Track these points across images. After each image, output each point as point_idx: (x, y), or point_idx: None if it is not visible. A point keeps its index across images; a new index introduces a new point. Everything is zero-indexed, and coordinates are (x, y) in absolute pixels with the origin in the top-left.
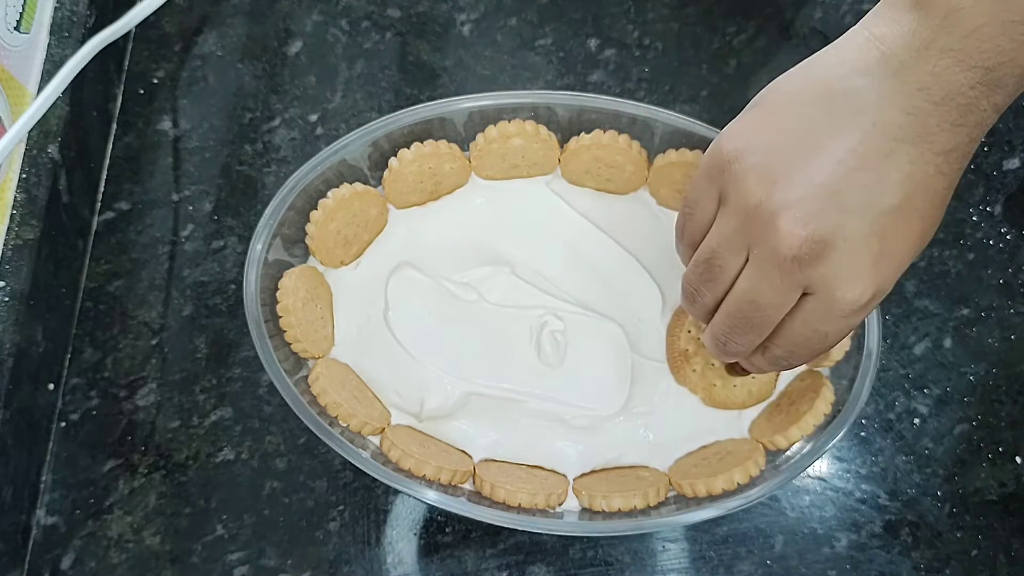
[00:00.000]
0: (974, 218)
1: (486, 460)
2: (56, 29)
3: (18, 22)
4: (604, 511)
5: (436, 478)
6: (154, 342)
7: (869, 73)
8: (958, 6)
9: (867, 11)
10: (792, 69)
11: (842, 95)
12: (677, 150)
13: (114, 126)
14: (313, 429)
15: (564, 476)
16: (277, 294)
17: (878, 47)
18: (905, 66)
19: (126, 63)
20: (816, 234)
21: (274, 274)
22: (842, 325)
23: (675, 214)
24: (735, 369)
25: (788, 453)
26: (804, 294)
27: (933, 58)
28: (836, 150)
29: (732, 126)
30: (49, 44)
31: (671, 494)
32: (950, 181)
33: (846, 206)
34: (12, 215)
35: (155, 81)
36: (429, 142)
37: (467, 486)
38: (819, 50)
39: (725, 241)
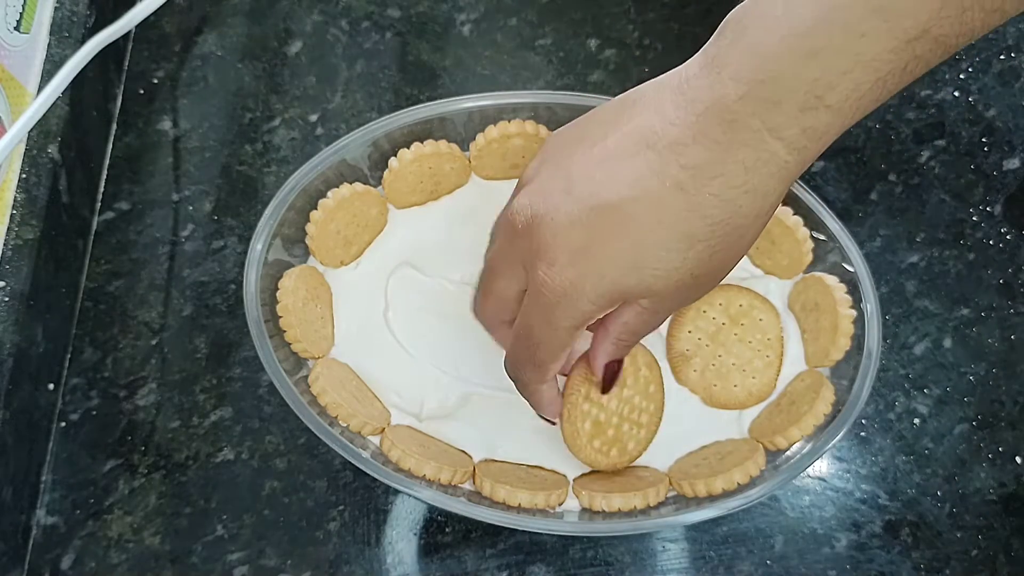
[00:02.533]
0: (974, 218)
1: (486, 460)
2: (56, 29)
3: (18, 22)
4: (604, 511)
5: (436, 478)
6: (154, 342)
7: (661, 85)
8: (746, 25)
9: None
10: None
11: (632, 102)
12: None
13: (114, 126)
14: (313, 429)
15: (564, 476)
16: (277, 294)
17: (684, 67)
18: (688, 80)
19: (126, 63)
20: (535, 207)
21: (274, 274)
22: (540, 317)
23: None
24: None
25: (788, 453)
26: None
27: (711, 72)
28: (594, 145)
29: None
30: (49, 44)
31: (671, 494)
32: (693, 203)
33: (570, 191)
34: (12, 215)
35: (155, 81)
36: (429, 142)
37: (467, 486)
38: None
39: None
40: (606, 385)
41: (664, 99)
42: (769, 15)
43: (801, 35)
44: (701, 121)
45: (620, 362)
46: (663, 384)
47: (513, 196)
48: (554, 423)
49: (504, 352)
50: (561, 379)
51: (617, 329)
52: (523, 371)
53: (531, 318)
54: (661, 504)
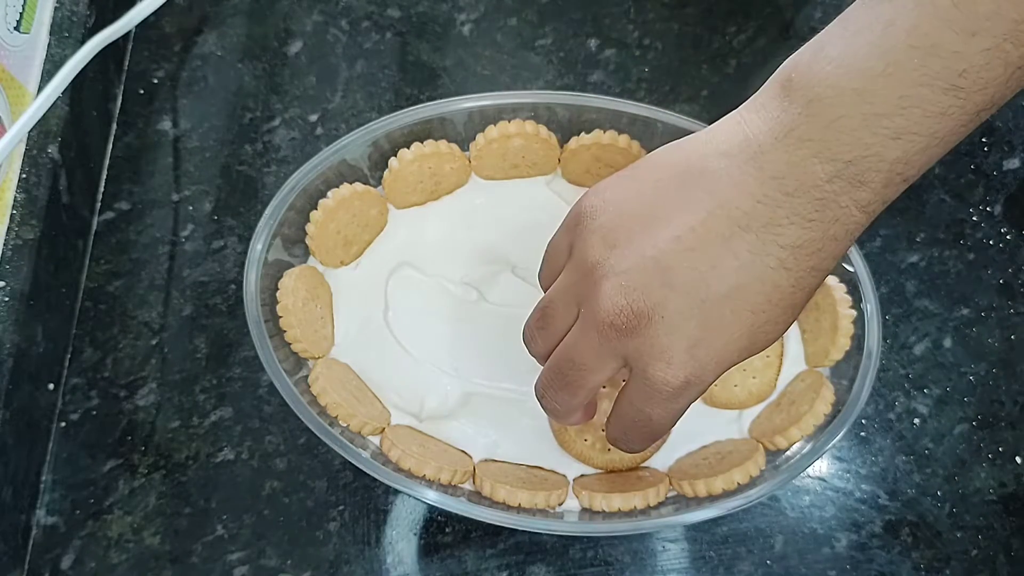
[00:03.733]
0: (974, 218)
1: (486, 460)
2: (56, 29)
3: (18, 22)
4: (604, 511)
5: (436, 478)
6: (154, 342)
7: (729, 156)
8: (820, 96)
9: None
10: (679, 140)
11: (699, 173)
12: None
13: (114, 126)
14: (313, 429)
15: (564, 476)
16: (277, 294)
17: (744, 130)
18: (763, 152)
19: (126, 63)
20: (636, 305)
21: (274, 274)
22: (661, 409)
23: None
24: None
25: (788, 453)
26: (629, 369)
27: (791, 147)
28: (677, 226)
29: (602, 182)
30: (49, 44)
31: (671, 494)
32: (796, 279)
33: (672, 284)
34: (12, 215)
35: (155, 81)
36: (429, 142)
37: (467, 486)
38: None
39: (562, 293)
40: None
41: (741, 174)
42: (845, 88)
43: (883, 115)
44: (792, 201)
45: None
46: None
47: (573, 274)
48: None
49: (517, 352)
50: None
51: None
52: (636, 443)
53: (649, 409)
54: (661, 504)
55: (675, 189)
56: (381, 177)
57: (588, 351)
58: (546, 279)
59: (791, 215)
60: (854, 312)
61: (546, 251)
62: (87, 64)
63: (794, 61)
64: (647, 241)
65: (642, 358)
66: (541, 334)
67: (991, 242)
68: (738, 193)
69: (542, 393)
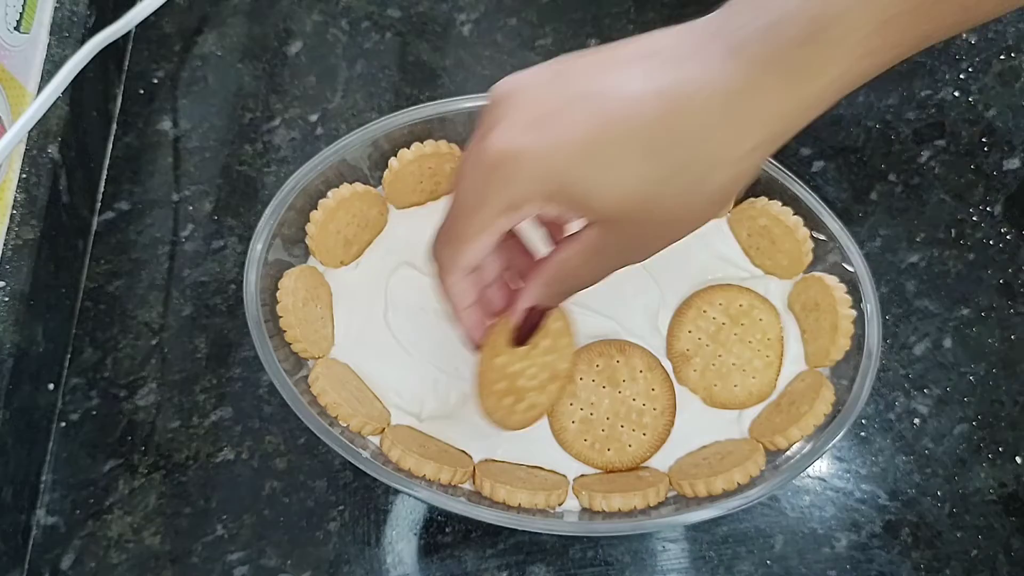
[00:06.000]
0: (974, 218)
1: (486, 460)
2: (56, 29)
3: (18, 22)
4: (604, 511)
5: (436, 478)
6: (154, 342)
7: (666, 32)
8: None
9: None
10: None
11: (652, 32)
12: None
13: (114, 126)
14: (313, 429)
15: (564, 476)
16: (277, 294)
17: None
18: (705, 17)
19: (126, 63)
20: (516, 83)
21: (274, 274)
22: (479, 182)
23: None
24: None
25: (788, 453)
26: None
27: (724, 10)
28: (601, 52)
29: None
30: (49, 44)
31: (671, 494)
32: (666, 109)
33: (562, 77)
34: (12, 215)
35: (155, 81)
36: (429, 142)
37: (467, 486)
38: None
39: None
40: (521, 336)
41: (679, 28)
42: None
43: None
44: (705, 43)
45: (542, 315)
46: (671, 385)
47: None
48: (475, 350)
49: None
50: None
51: (551, 268)
52: (441, 247)
53: (463, 182)
54: (661, 504)
55: (605, 50)
56: (381, 177)
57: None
58: None
59: (698, 52)
60: (854, 312)
61: None
62: (87, 64)
63: None
64: (571, 58)
65: (489, 125)
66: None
67: (991, 242)
68: (668, 36)
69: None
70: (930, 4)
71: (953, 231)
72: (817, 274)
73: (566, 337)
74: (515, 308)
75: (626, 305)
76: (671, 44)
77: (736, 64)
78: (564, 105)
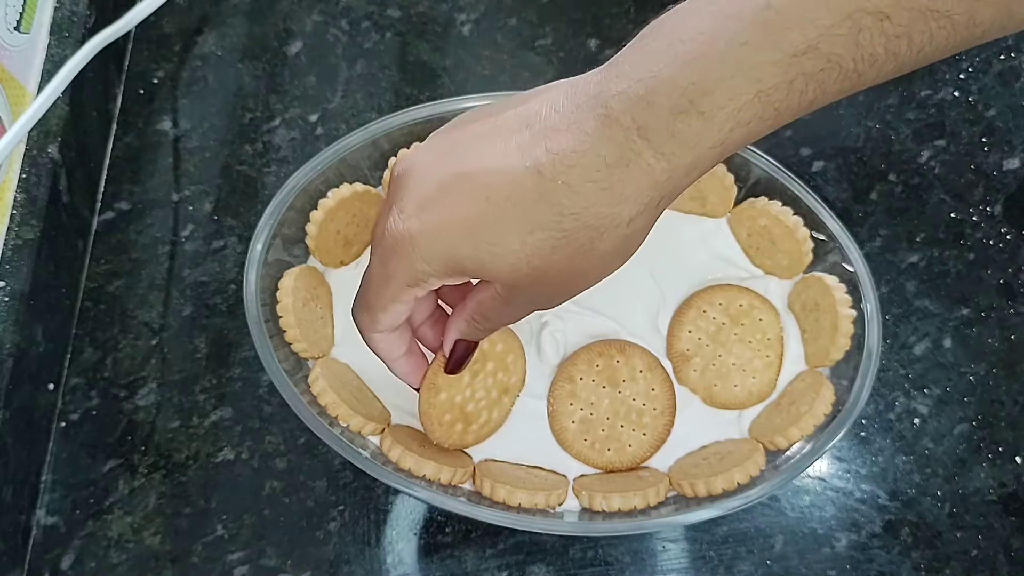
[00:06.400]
0: (974, 218)
1: (486, 460)
2: (56, 29)
3: (18, 22)
4: (604, 511)
5: (436, 478)
6: (154, 342)
7: (567, 80)
8: (649, 30)
9: None
10: None
11: (536, 90)
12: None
13: (114, 126)
14: (313, 429)
15: (564, 476)
16: (277, 294)
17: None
18: (587, 76)
19: (126, 63)
20: (409, 162)
21: (274, 274)
22: (384, 260)
23: (675, 213)
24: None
25: (788, 453)
26: None
27: (604, 70)
28: (486, 120)
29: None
30: (49, 44)
31: (671, 494)
32: (545, 187)
33: (447, 155)
34: (12, 215)
35: (155, 81)
36: None
37: (467, 486)
38: None
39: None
40: (452, 365)
41: (560, 89)
42: (668, 23)
43: (686, 40)
44: (578, 111)
45: (474, 346)
46: (671, 385)
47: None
48: (415, 389)
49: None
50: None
51: (471, 307)
52: (358, 312)
53: (372, 258)
54: (661, 504)
55: (514, 99)
56: (381, 177)
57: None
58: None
59: (571, 123)
60: (854, 312)
61: None
62: (87, 64)
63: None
64: (459, 127)
65: (388, 204)
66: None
67: (991, 242)
68: (545, 102)
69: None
70: (811, 74)
71: (953, 231)
72: (817, 274)
73: (512, 353)
74: (445, 341)
75: (626, 305)
76: (548, 111)
77: (610, 134)
78: (450, 184)
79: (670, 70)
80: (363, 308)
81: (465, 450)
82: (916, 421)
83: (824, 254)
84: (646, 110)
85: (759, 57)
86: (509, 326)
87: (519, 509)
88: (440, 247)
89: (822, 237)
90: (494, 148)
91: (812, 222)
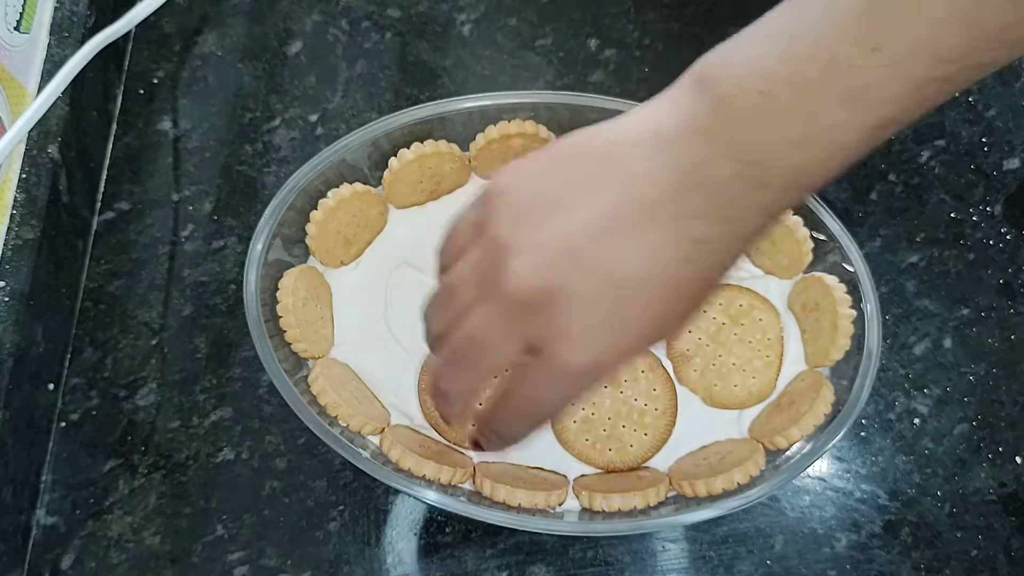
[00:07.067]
0: (974, 218)
1: (486, 460)
2: (56, 29)
3: (18, 22)
4: (604, 511)
5: (436, 478)
6: (154, 342)
7: (641, 145)
8: (727, 93)
9: None
10: (589, 127)
11: (610, 159)
12: None
13: (114, 126)
14: (313, 429)
15: (564, 476)
16: (277, 294)
17: (656, 120)
18: (672, 145)
19: (126, 63)
20: (546, 284)
21: (274, 274)
22: (556, 392)
23: None
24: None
25: (788, 453)
26: (530, 355)
27: (697, 142)
28: (589, 210)
29: (514, 163)
30: (49, 44)
31: (671, 494)
32: (701, 273)
33: (583, 266)
34: (12, 215)
35: (155, 81)
36: (429, 142)
37: (467, 486)
38: None
39: (468, 270)
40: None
41: (650, 163)
42: (750, 88)
43: (785, 121)
44: (698, 196)
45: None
46: (672, 385)
47: (476, 250)
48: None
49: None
50: None
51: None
52: (515, 428)
53: (546, 390)
54: (661, 504)
55: (586, 173)
56: (381, 177)
57: (492, 329)
58: (446, 256)
59: (697, 209)
60: (854, 312)
61: (449, 229)
62: (87, 64)
63: (708, 57)
64: (558, 221)
65: (547, 338)
66: (443, 312)
67: (991, 242)
68: (648, 182)
69: (439, 372)
70: (882, 136)
71: (953, 231)
72: (817, 274)
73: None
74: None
75: None
76: (661, 198)
77: (739, 217)
78: (615, 304)
79: (780, 154)
80: (531, 426)
81: (465, 450)
82: (916, 421)
83: (824, 254)
84: (763, 191)
85: (850, 137)
86: None
87: (519, 509)
88: (624, 357)
89: (822, 237)
90: (635, 249)
91: (812, 222)
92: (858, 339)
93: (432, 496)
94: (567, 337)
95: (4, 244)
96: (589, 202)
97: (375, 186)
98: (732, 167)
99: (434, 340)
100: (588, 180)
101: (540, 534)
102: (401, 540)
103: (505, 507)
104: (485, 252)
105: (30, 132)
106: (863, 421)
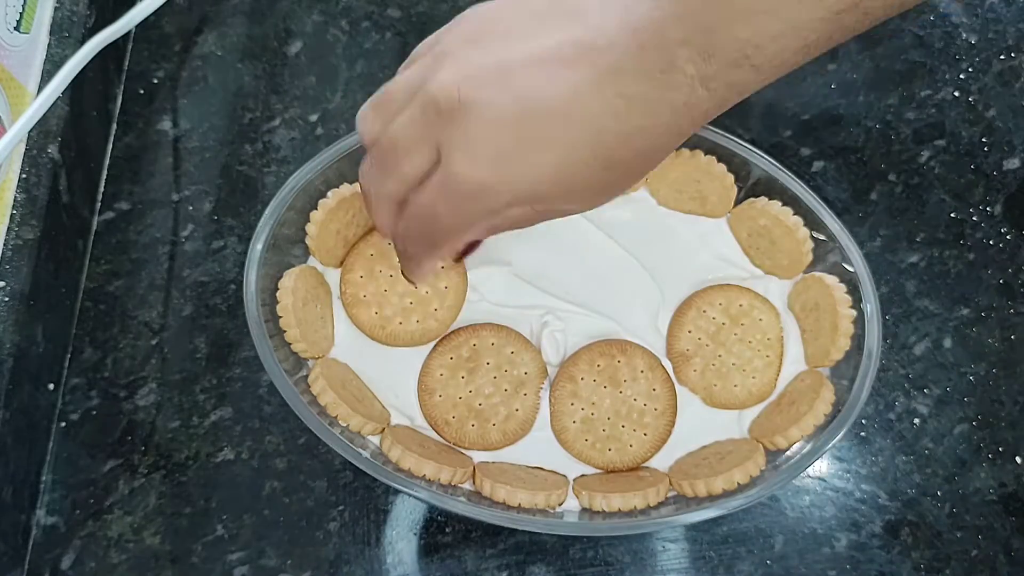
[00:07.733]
0: (974, 218)
1: (486, 460)
2: (56, 29)
3: (18, 22)
4: (604, 511)
5: (436, 478)
6: (154, 342)
7: (606, 2)
8: None
9: None
10: None
11: (577, 9)
12: (676, 149)
13: (114, 126)
14: (313, 429)
15: (564, 476)
16: (277, 294)
17: None
18: (633, 5)
19: (126, 63)
20: (466, 94)
21: (274, 274)
22: (450, 207)
23: (675, 213)
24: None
25: (788, 453)
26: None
27: (655, 4)
28: (535, 40)
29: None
30: (49, 44)
31: (671, 494)
32: (621, 131)
33: (506, 87)
34: (12, 215)
35: (155, 81)
36: None
37: (467, 486)
38: None
39: (409, 75)
40: (463, 255)
41: (605, 16)
42: None
43: None
44: (643, 54)
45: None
46: (672, 385)
47: (425, 59)
48: (415, 286)
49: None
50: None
51: (498, 220)
52: (415, 245)
53: (439, 204)
54: (661, 504)
55: (549, 14)
56: None
57: (408, 129)
58: (401, 69)
59: (637, 67)
60: (854, 312)
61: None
62: (87, 64)
63: None
64: (502, 46)
65: (451, 147)
66: (375, 110)
67: (991, 242)
68: (598, 32)
69: (364, 174)
70: (848, 27)
71: (953, 231)
72: (817, 274)
73: (510, 346)
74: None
75: (626, 305)
76: (604, 46)
77: (676, 81)
78: (524, 131)
79: (728, 24)
80: (427, 245)
81: (466, 450)
82: (916, 421)
83: (824, 254)
84: (708, 61)
85: (807, 15)
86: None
87: (519, 509)
88: (521, 192)
89: (822, 237)
90: (562, 83)
91: (812, 222)
92: (858, 339)
93: (432, 496)
94: (467, 149)
95: (4, 244)
96: (537, 37)
97: None
98: (683, 31)
99: (366, 141)
100: (546, 22)
101: (540, 534)
102: (401, 540)
103: (505, 507)
104: (428, 59)
105: (30, 132)
106: (863, 421)
